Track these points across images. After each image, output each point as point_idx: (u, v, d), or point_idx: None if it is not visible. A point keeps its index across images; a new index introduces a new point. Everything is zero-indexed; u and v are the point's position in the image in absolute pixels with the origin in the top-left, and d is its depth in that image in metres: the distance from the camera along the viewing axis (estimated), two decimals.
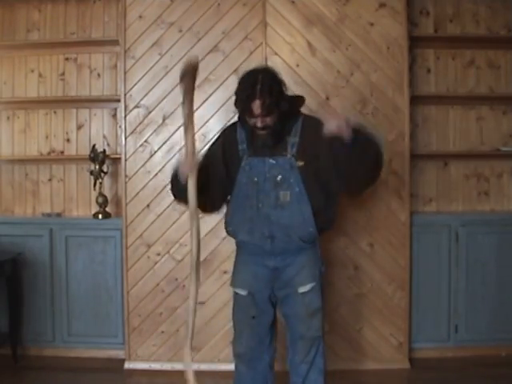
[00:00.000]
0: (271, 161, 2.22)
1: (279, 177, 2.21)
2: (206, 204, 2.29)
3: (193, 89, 2.01)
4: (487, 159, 3.72)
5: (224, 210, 2.42)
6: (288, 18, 3.26)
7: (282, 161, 2.21)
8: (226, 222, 2.38)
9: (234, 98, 2.21)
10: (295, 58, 3.26)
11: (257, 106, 2.09)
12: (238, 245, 2.42)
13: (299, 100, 2.35)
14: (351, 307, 3.31)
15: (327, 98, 3.26)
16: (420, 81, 3.65)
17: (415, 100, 3.45)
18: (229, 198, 2.36)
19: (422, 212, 3.63)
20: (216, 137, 2.44)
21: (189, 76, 1.98)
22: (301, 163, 2.20)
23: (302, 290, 2.27)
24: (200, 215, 2.18)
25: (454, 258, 3.43)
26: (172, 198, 2.41)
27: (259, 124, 2.14)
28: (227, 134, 2.37)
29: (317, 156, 2.19)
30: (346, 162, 2.08)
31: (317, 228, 2.25)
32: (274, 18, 3.26)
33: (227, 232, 2.40)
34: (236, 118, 2.36)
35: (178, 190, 2.22)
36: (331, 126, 2.00)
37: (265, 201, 2.22)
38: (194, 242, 2.02)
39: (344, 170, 2.11)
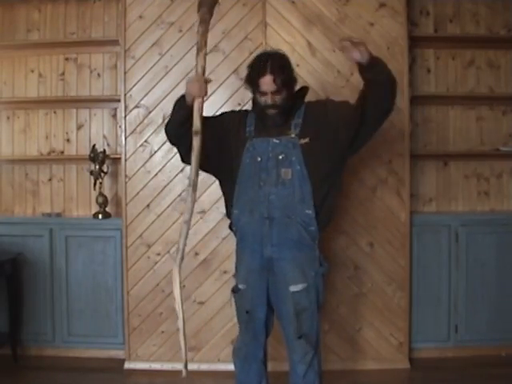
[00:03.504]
0: (275, 140, 2.26)
1: (281, 155, 2.25)
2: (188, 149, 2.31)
3: (211, 14, 2.22)
4: (487, 159, 3.72)
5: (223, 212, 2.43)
6: (288, 18, 3.26)
7: (285, 140, 2.26)
8: (230, 207, 2.37)
9: (242, 90, 2.38)
10: (295, 58, 3.25)
11: (267, 81, 2.18)
12: (238, 237, 2.40)
13: (303, 89, 2.41)
14: (351, 307, 3.31)
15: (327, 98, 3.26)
16: (420, 81, 3.65)
17: (415, 100, 3.45)
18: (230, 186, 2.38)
19: (421, 212, 3.63)
20: (225, 112, 2.51)
21: (209, 5, 2.20)
22: (304, 140, 2.25)
23: (293, 288, 2.26)
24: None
25: (454, 258, 3.43)
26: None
27: (269, 101, 2.21)
28: (237, 113, 2.46)
29: (322, 131, 2.26)
30: (366, 89, 2.26)
31: (316, 216, 2.25)
32: (274, 18, 3.26)
33: (231, 218, 2.38)
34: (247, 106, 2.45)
35: (179, 116, 2.25)
36: (352, 51, 2.16)
37: (266, 179, 2.25)
38: (195, 158, 2.11)
39: (365, 99, 2.28)
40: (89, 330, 3.48)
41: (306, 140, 2.24)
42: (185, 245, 2.15)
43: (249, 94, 2.43)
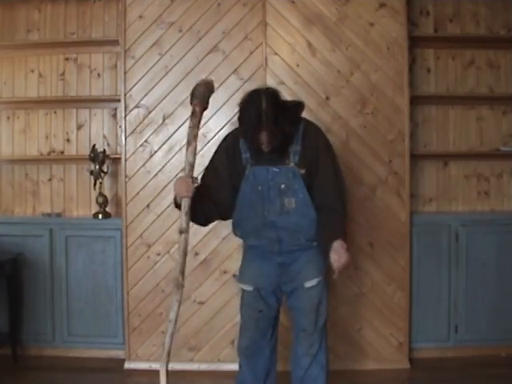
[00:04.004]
0: (274, 169, 2.24)
1: (283, 185, 2.24)
2: (220, 213, 2.36)
3: (204, 109, 2.21)
4: (487, 159, 3.72)
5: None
6: (288, 17, 3.26)
7: (285, 169, 2.24)
8: (233, 227, 2.40)
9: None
10: (295, 58, 3.26)
11: (264, 136, 2.12)
12: (246, 245, 2.46)
13: (299, 108, 2.33)
14: (351, 307, 3.31)
15: (327, 98, 3.26)
16: (420, 81, 3.65)
17: (415, 100, 3.45)
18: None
19: (421, 212, 3.63)
20: (219, 144, 2.41)
21: (202, 98, 2.19)
22: (302, 171, 2.24)
23: (308, 284, 2.31)
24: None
25: (454, 258, 3.43)
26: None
27: (265, 149, 2.17)
28: (230, 142, 2.35)
29: (316, 161, 2.26)
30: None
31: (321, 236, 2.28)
32: (274, 18, 3.26)
33: (235, 235, 2.44)
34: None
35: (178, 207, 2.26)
36: (335, 263, 2.13)
37: (270, 208, 2.25)
38: (181, 255, 2.13)
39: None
40: (89, 330, 3.48)
41: (303, 171, 2.24)
42: (171, 343, 2.09)
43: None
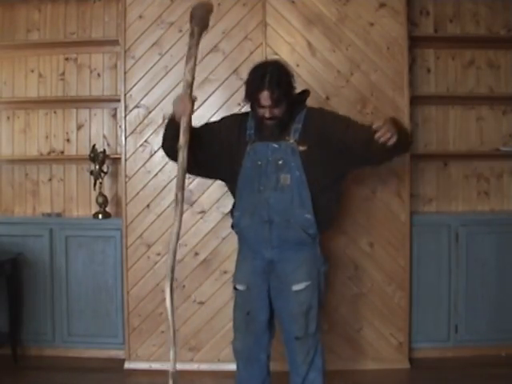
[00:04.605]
0: (274, 145, 2.27)
1: (281, 161, 2.25)
2: (191, 162, 2.30)
3: (202, 32, 2.24)
4: (487, 159, 3.72)
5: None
6: (288, 17, 3.26)
7: (284, 145, 2.26)
8: (232, 210, 2.42)
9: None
10: (295, 58, 3.26)
11: (265, 97, 2.18)
12: (240, 238, 2.44)
13: (305, 93, 2.41)
14: (351, 307, 3.31)
15: (327, 98, 3.26)
16: (420, 81, 3.65)
17: (415, 100, 3.45)
18: (232, 189, 2.42)
19: (422, 212, 3.63)
20: (222, 117, 2.51)
21: (201, 18, 2.23)
22: (303, 148, 2.25)
23: (295, 287, 2.28)
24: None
25: (454, 258, 3.43)
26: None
27: (267, 114, 2.22)
28: (236, 118, 2.45)
29: (319, 138, 2.26)
30: (378, 153, 2.19)
31: (316, 221, 2.26)
32: (274, 18, 3.26)
33: (233, 219, 2.42)
34: (246, 109, 2.43)
35: (170, 133, 2.28)
36: (382, 134, 2.07)
37: (266, 183, 2.26)
38: (180, 171, 2.11)
39: (373, 157, 2.25)
40: (89, 330, 3.48)
41: (305, 148, 2.25)
42: (174, 259, 2.10)
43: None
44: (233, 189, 2.42)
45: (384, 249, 3.30)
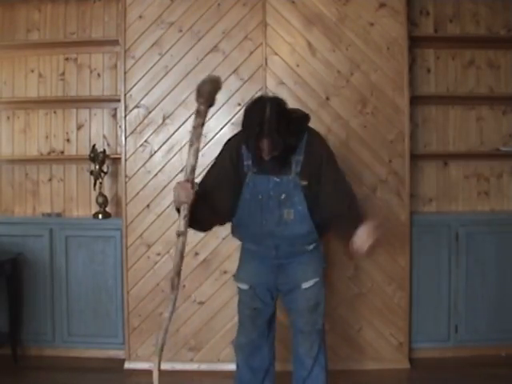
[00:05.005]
0: (275, 179, 2.22)
1: (283, 195, 2.22)
2: (218, 219, 2.33)
3: (210, 106, 2.12)
4: (487, 159, 3.72)
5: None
6: (288, 18, 3.26)
7: (286, 180, 2.22)
8: (232, 230, 2.42)
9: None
10: (295, 58, 3.26)
11: (265, 144, 2.07)
12: (244, 248, 2.48)
13: (304, 120, 2.31)
14: (351, 307, 3.31)
15: (327, 98, 3.26)
16: (420, 81, 3.65)
17: (415, 100, 3.45)
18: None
19: (422, 212, 3.63)
20: (221, 151, 2.37)
21: (209, 96, 2.08)
22: (304, 182, 2.22)
23: (305, 285, 2.33)
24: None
25: (454, 258, 3.42)
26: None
27: (266, 156, 2.13)
28: (233, 147, 2.31)
29: (318, 173, 2.23)
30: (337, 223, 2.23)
31: (318, 232, 2.31)
32: (274, 18, 3.26)
33: (233, 235, 2.45)
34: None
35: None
36: (358, 246, 2.10)
37: (269, 218, 2.25)
38: (177, 257, 2.12)
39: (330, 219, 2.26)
40: (89, 330, 3.48)
41: (306, 182, 2.22)
42: (164, 340, 2.11)
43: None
44: (227, 211, 2.33)
45: (384, 249, 3.29)
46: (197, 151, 2.10)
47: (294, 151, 2.20)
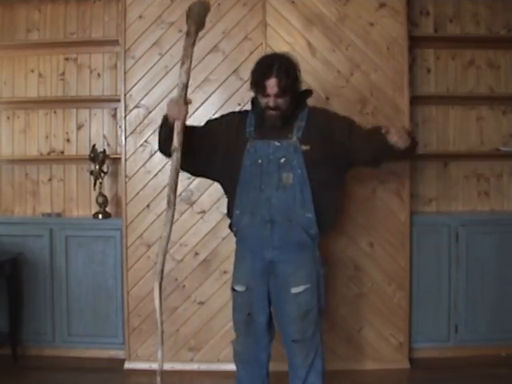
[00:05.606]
0: (276, 143, 2.25)
1: (283, 159, 2.23)
2: (187, 160, 2.30)
3: (198, 31, 2.23)
4: (487, 159, 3.72)
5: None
6: (288, 18, 3.26)
7: (286, 143, 2.24)
8: (232, 208, 2.35)
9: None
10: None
11: (272, 84, 2.16)
12: (239, 238, 2.41)
13: (308, 92, 2.40)
14: (351, 307, 3.31)
15: (327, 98, 3.26)
16: (420, 81, 3.65)
17: (415, 100, 3.45)
18: (232, 186, 2.38)
19: (422, 212, 3.63)
20: (221, 115, 2.50)
21: (198, 15, 2.21)
22: (305, 147, 2.23)
23: (294, 290, 2.27)
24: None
25: (454, 258, 3.43)
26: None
27: (271, 103, 2.19)
28: (236, 116, 2.43)
29: (322, 138, 2.25)
30: (384, 154, 2.25)
31: (317, 221, 2.25)
32: (274, 18, 3.26)
33: (232, 218, 2.38)
34: (247, 106, 2.43)
35: (164, 134, 2.26)
36: (395, 138, 2.12)
37: (268, 182, 2.24)
38: (173, 173, 2.12)
39: (377, 157, 2.29)
40: (89, 330, 3.48)
41: (307, 147, 2.23)
42: (164, 261, 2.19)
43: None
44: (230, 188, 2.37)
45: (384, 249, 3.30)
46: (188, 70, 2.17)
47: (297, 117, 2.27)
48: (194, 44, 2.21)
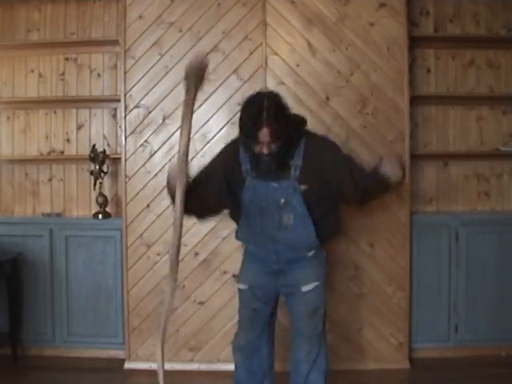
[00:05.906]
0: (274, 184, 2.23)
1: (282, 200, 2.23)
2: (204, 211, 2.34)
3: (198, 89, 2.04)
4: (487, 159, 3.72)
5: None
6: (288, 18, 3.26)
7: (285, 184, 2.22)
8: (236, 232, 2.45)
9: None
10: (295, 58, 3.26)
11: (264, 134, 2.06)
12: (246, 250, 2.49)
13: (301, 122, 2.32)
14: (351, 307, 3.31)
15: (327, 98, 3.26)
16: (420, 81, 3.65)
17: (415, 100, 3.45)
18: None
19: (422, 212, 3.62)
20: (217, 153, 2.41)
21: (196, 76, 2.02)
22: (304, 187, 2.22)
23: (305, 288, 2.32)
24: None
25: (454, 258, 3.43)
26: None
27: (265, 151, 2.12)
28: (230, 152, 2.34)
29: (319, 176, 2.23)
30: (371, 188, 2.26)
31: (320, 239, 2.31)
32: (274, 18, 3.26)
33: (237, 238, 2.46)
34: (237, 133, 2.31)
35: (171, 194, 2.23)
36: (388, 169, 2.13)
37: (269, 223, 2.26)
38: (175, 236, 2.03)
39: (364, 192, 2.26)
40: (89, 330, 3.48)
41: (306, 187, 2.21)
42: (168, 318, 2.16)
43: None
44: (234, 217, 2.43)
45: (384, 249, 3.30)
46: (189, 129, 2.04)
47: (293, 156, 2.20)
48: (193, 104, 2.06)
